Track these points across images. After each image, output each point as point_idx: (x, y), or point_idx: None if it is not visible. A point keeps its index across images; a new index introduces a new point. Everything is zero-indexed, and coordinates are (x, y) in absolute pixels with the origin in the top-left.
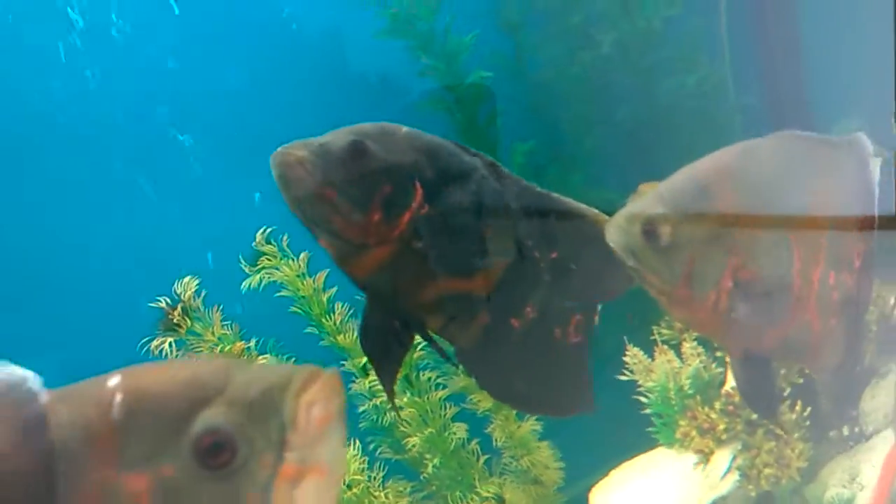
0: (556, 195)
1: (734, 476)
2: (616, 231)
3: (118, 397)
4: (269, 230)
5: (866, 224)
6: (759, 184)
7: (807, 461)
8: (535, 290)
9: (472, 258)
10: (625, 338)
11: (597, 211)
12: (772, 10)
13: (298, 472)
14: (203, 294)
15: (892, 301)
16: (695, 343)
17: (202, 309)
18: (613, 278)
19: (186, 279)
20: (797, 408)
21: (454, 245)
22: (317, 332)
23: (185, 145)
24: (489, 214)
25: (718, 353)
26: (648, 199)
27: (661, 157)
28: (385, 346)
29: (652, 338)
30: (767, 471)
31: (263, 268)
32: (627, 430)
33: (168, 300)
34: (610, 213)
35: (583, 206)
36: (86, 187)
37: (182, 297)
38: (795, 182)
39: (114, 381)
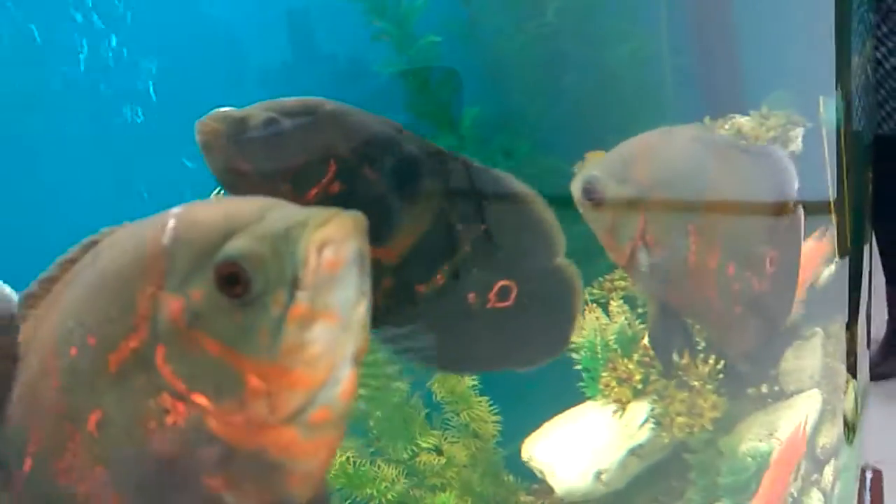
0: (493, 171)
1: (650, 425)
2: (574, 189)
3: (171, 223)
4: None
5: (779, 232)
6: (672, 166)
7: (721, 413)
8: (448, 259)
9: (380, 229)
10: None
11: (529, 190)
12: None
13: (308, 313)
14: None
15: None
16: (621, 302)
17: None
18: (538, 254)
19: None
20: (710, 361)
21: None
22: None
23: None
24: (405, 186)
25: (641, 311)
26: (590, 164)
27: (606, 126)
28: None
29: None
30: (680, 419)
31: None
32: (562, 386)
33: None
34: (558, 181)
35: (516, 184)
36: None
37: None
38: (704, 172)
39: (175, 209)
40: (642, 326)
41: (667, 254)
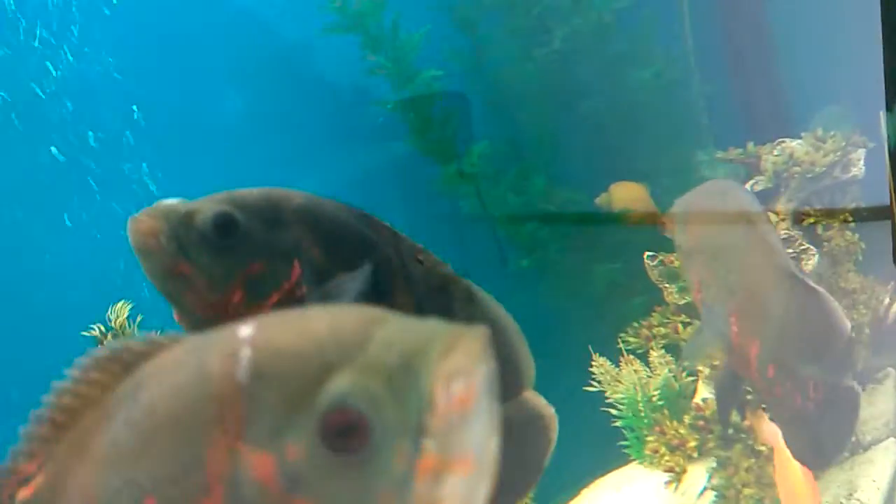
0: (472, 289)
1: (711, 496)
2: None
3: (246, 351)
4: None
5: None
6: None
7: None
8: None
9: None
10: (589, 346)
11: (507, 316)
12: None
13: (440, 464)
14: (138, 319)
15: (885, 301)
16: (662, 351)
17: (135, 334)
18: (507, 383)
19: (119, 304)
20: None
21: None
22: None
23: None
24: (379, 295)
25: (686, 363)
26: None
27: (626, 153)
28: None
29: (618, 346)
30: (747, 491)
31: None
32: (599, 445)
33: (102, 328)
34: (579, 214)
35: (494, 307)
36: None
37: (114, 323)
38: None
39: (245, 331)
40: (690, 380)
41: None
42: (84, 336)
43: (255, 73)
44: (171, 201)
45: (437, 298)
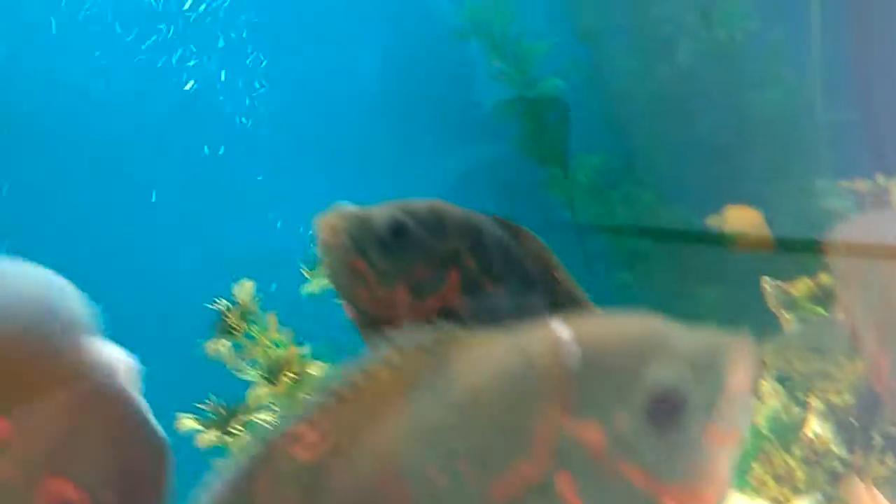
0: (589, 304)
1: None
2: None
3: (572, 347)
4: None
5: None
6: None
7: None
8: None
9: None
10: None
11: None
12: (872, 18)
13: (723, 435)
14: (260, 298)
15: None
16: (774, 381)
17: (258, 313)
18: None
19: (245, 282)
20: (888, 461)
21: None
22: None
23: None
24: (518, 318)
25: (799, 394)
26: None
27: (742, 176)
28: None
29: None
30: None
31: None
32: None
33: (227, 302)
34: (685, 232)
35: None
36: (149, 184)
37: (239, 299)
38: None
39: (564, 330)
40: (800, 412)
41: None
42: (209, 308)
43: (382, 57)
44: (350, 206)
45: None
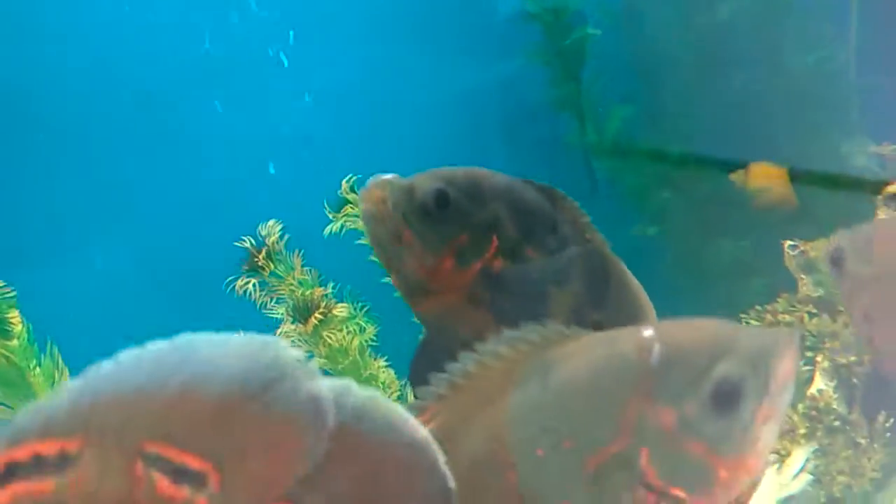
0: (619, 262)
1: (806, 477)
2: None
3: (657, 347)
4: (354, 178)
5: None
6: None
7: (882, 472)
8: None
9: (530, 320)
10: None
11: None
12: None
13: (768, 416)
14: (286, 238)
15: None
16: None
17: (284, 252)
18: None
19: (271, 223)
20: (881, 417)
21: (516, 304)
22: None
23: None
24: (555, 280)
25: (809, 354)
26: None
27: (771, 134)
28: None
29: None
30: (841, 478)
31: (347, 215)
32: None
33: (253, 241)
34: (708, 189)
35: (633, 280)
36: (182, 128)
37: (266, 239)
38: None
39: (650, 332)
40: (807, 369)
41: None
42: (236, 246)
43: None
44: (390, 176)
45: (596, 279)
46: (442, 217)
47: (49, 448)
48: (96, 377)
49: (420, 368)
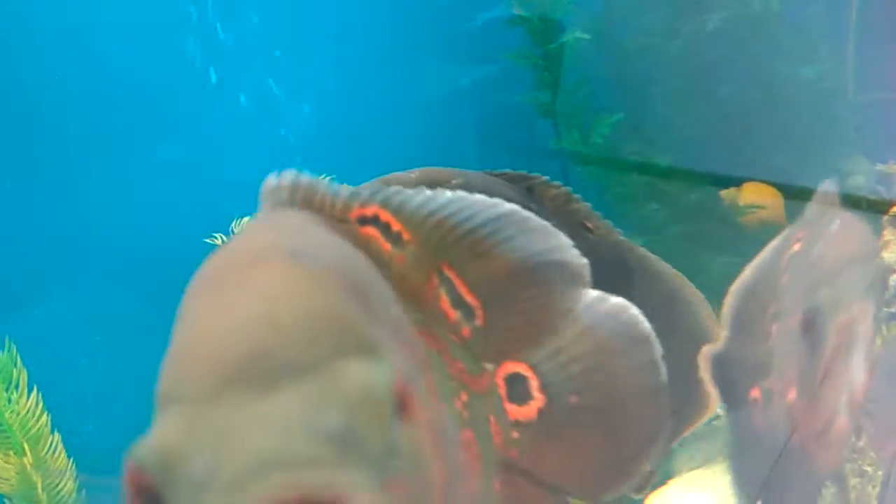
0: (635, 248)
1: None
2: None
3: None
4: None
5: None
6: None
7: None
8: None
9: None
10: None
11: (674, 271)
12: None
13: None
14: None
15: None
16: None
17: None
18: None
19: (245, 220)
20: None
21: None
22: None
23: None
24: None
25: None
26: None
27: (761, 149)
28: None
29: None
30: None
31: None
32: (697, 439)
33: (224, 238)
34: (697, 202)
35: (659, 263)
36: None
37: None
38: None
39: None
40: None
41: None
42: (206, 243)
43: None
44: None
45: (610, 270)
46: None
47: (396, 226)
48: (448, 202)
49: None
